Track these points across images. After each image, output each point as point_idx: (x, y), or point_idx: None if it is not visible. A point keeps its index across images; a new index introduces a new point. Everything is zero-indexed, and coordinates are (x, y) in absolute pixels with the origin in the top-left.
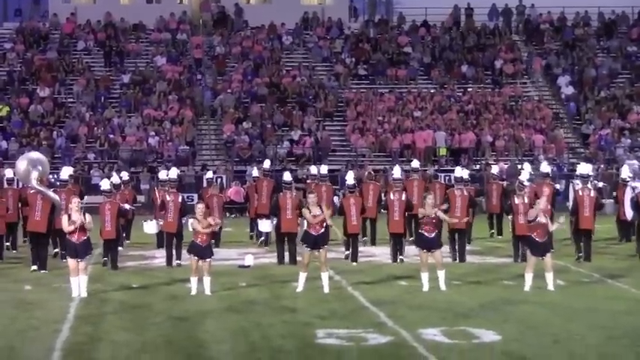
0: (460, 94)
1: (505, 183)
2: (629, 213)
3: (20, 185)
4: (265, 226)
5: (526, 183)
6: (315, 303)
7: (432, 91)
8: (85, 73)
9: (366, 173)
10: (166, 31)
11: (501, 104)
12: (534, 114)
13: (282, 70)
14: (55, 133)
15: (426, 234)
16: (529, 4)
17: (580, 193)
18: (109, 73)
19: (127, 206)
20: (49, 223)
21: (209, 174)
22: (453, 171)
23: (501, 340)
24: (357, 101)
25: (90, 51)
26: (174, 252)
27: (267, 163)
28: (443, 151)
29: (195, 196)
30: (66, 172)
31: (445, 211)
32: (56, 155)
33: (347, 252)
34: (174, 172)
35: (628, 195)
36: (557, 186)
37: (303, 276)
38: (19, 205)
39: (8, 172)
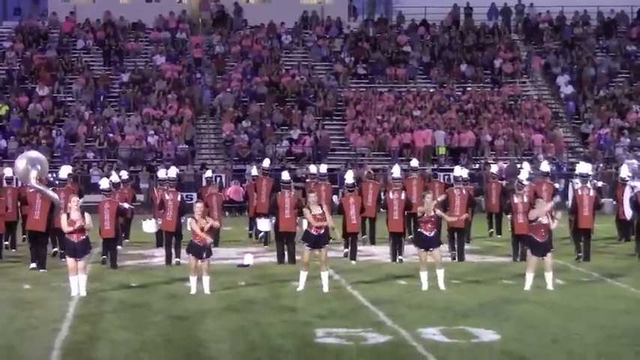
0: (459, 93)
1: (504, 182)
2: (628, 212)
3: (19, 184)
4: (264, 225)
5: (525, 182)
6: (315, 302)
7: (431, 90)
8: (85, 72)
9: (366, 172)
10: (166, 30)
11: (500, 103)
12: (533, 113)
13: (281, 69)
14: (54, 132)
15: (425, 233)
16: (528, 3)
17: (579, 192)
18: (109, 72)
19: (126, 205)
20: (48, 222)
21: (208, 173)
22: (452, 170)
23: (500, 340)
24: (357, 100)
25: (89, 50)
26: (173, 251)
27: (266, 162)
28: (442, 151)
29: (195, 195)
30: (65, 170)
31: (444, 209)
32: (55, 154)
33: (345, 250)
34: (173, 171)
35: (627, 194)
36: (557, 185)
37: (304, 275)
38: (19, 204)
39: (7, 171)
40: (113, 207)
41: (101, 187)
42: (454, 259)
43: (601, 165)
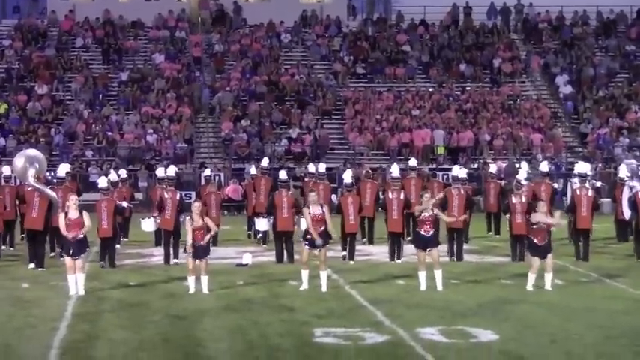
0: (458, 92)
1: (503, 182)
2: (626, 213)
3: (18, 183)
4: (262, 224)
5: (524, 182)
6: (313, 302)
7: (430, 89)
8: (84, 70)
9: (364, 172)
10: (165, 28)
11: (499, 103)
12: (532, 113)
13: (280, 68)
14: (53, 130)
15: (423, 233)
16: (527, 2)
17: (578, 192)
18: (108, 71)
19: (124, 204)
20: (46, 220)
21: (207, 172)
22: (451, 170)
23: (499, 340)
24: (356, 100)
25: (88, 48)
26: (171, 250)
27: (265, 162)
28: (441, 150)
29: (193, 194)
30: (63, 169)
31: (443, 209)
32: (54, 152)
33: (344, 252)
34: (172, 170)
35: (625, 194)
36: (555, 185)
37: (305, 273)
38: (17, 202)
39: (6, 170)
40: (111, 206)
41: (99, 186)
42: (452, 258)
43: (600, 165)
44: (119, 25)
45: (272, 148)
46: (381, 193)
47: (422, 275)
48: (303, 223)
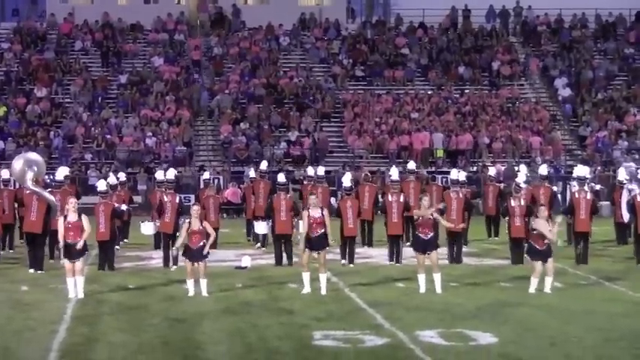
0: (457, 95)
1: (502, 185)
2: (625, 215)
3: (17, 186)
4: (261, 227)
5: (523, 185)
6: (312, 304)
7: (429, 92)
8: (83, 73)
9: (363, 175)
10: (164, 31)
11: (498, 106)
12: (531, 116)
13: (279, 71)
14: (52, 133)
15: (422, 236)
16: (526, 5)
17: (576, 195)
18: (107, 74)
19: (123, 207)
20: (44, 224)
21: (206, 175)
22: (450, 173)
23: (498, 343)
24: (355, 102)
25: (87, 51)
26: (171, 254)
27: (263, 165)
28: (440, 153)
29: (193, 196)
30: (62, 172)
31: (442, 212)
32: (53, 155)
33: (343, 261)
34: (171, 173)
35: (624, 197)
36: (555, 188)
37: (306, 276)
38: (16, 205)
39: (4, 173)
40: (108, 209)
41: (98, 189)
42: (452, 261)
43: (599, 168)
44: (118, 28)
45: (271, 150)
46: (380, 196)
47: (421, 278)
48: (302, 226)
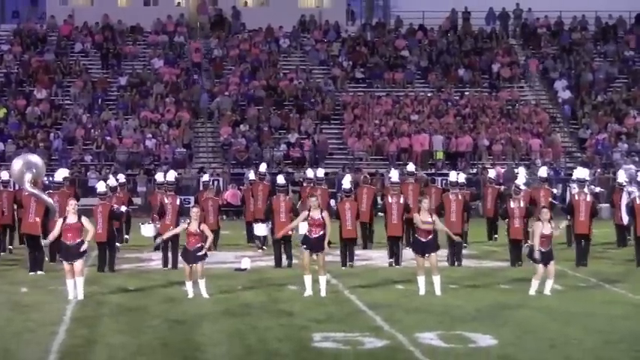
0: (457, 97)
1: (502, 187)
2: (625, 218)
3: (16, 187)
4: (261, 229)
5: (522, 187)
6: (312, 306)
7: (429, 94)
8: (82, 75)
9: (362, 177)
10: (164, 33)
11: (498, 108)
12: (531, 118)
13: (279, 73)
14: (51, 134)
15: (421, 238)
16: (526, 8)
17: (576, 197)
18: (106, 76)
19: (123, 208)
20: (43, 226)
21: (205, 177)
22: (449, 175)
23: (498, 345)
24: (354, 104)
25: (87, 53)
26: (170, 255)
27: (263, 167)
28: (440, 155)
29: (192, 198)
30: (61, 174)
31: (441, 215)
32: (53, 157)
33: (343, 267)
34: (171, 175)
35: (624, 200)
36: (555, 191)
37: (308, 278)
38: (15, 207)
39: (4, 175)
40: (105, 210)
41: (97, 191)
42: (452, 263)
43: (598, 170)
44: (118, 29)
45: (271, 152)
46: (379, 198)
47: (421, 280)
48: (302, 228)
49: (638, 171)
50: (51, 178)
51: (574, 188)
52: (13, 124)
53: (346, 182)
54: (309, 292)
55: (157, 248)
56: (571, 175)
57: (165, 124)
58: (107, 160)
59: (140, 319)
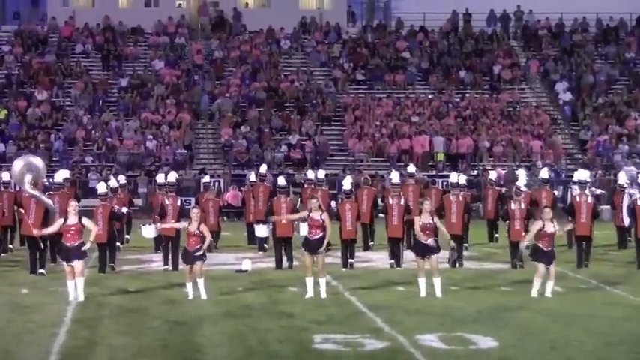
0: (458, 99)
1: (504, 189)
2: (626, 220)
3: (17, 188)
4: (262, 231)
5: (523, 189)
6: (313, 308)
7: (429, 96)
8: (83, 76)
9: (363, 179)
10: (164, 34)
11: (499, 110)
12: (532, 120)
13: (280, 74)
14: (52, 136)
15: (422, 240)
16: (527, 9)
17: (577, 199)
18: (107, 77)
19: (124, 210)
20: (42, 227)
21: (206, 178)
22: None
23: (498, 346)
24: (355, 106)
25: (88, 54)
26: (170, 256)
27: (263, 168)
28: (440, 157)
29: (193, 200)
30: (61, 175)
31: (441, 216)
32: (54, 158)
33: (343, 269)
34: (172, 176)
35: (625, 202)
36: (555, 192)
37: (309, 280)
38: (16, 208)
39: (5, 176)
40: (106, 211)
41: (98, 192)
42: (453, 265)
43: (599, 172)
44: (119, 31)
45: (271, 154)
46: (380, 200)
47: (421, 282)
48: (303, 229)
49: (638, 173)
50: (51, 180)
51: (575, 190)
52: (13, 125)
53: (347, 184)
54: (310, 293)
55: (157, 249)
56: (572, 176)
57: (166, 126)
58: (108, 162)
59: (141, 321)
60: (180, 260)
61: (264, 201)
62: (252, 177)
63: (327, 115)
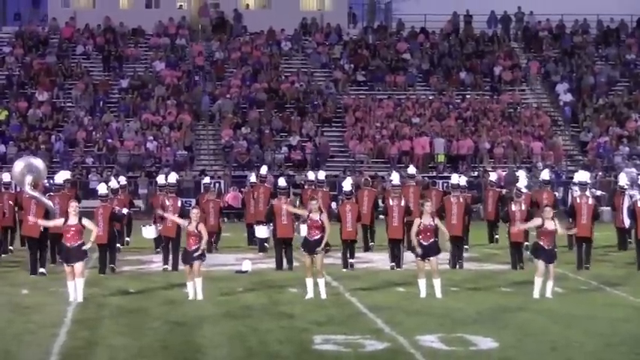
0: (458, 100)
1: (504, 190)
2: (627, 221)
3: (18, 189)
4: (262, 232)
5: (524, 190)
6: (313, 309)
7: (430, 97)
8: (84, 77)
9: (363, 180)
10: (165, 36)
11: (500, 111)
12: (533, 121)
13: (280, 75)
14: (53, 137)
15: (422, 241)
16: (528, 11)
17: (578, 200)
18: (108, 78)
19: (124, 210)
20: (43, 228)
21: (206, 179)
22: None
23: (499, 348)
24: (356, 107)
25: (89, 55)
26: (170, 256)
27: (263, 170)
28: (441, 158)
29: (193, 201)
30: (62, 176)
31: (441, 217)
32: (54, 159)
33: (344, 270)
34: (173, 177)
35: (625, 203)
36: (556, 194)
37: (309, 282)
38: (16, 209)
39: (5, 176)
40: (107, 212)
41: (98, 193)
42: (454, 266)
43: (600, 173)
44: (120, 32)
45: (272, 155)
46: (380, 201)
47: (422, 283)
48: (303, 230)
49: (639, 174)
50: (52, 181)
51: (576, 191)
52: (14, 126)
53: (347, 185)
54: (310, 294)
55: (157, 246)
56: (572, 178)
57: (166, 127)
58: (108, 163)
59: (141, 321)
60: (180, 261)
61: (265, 202)
62: (252, 178)
63: (328, 117)
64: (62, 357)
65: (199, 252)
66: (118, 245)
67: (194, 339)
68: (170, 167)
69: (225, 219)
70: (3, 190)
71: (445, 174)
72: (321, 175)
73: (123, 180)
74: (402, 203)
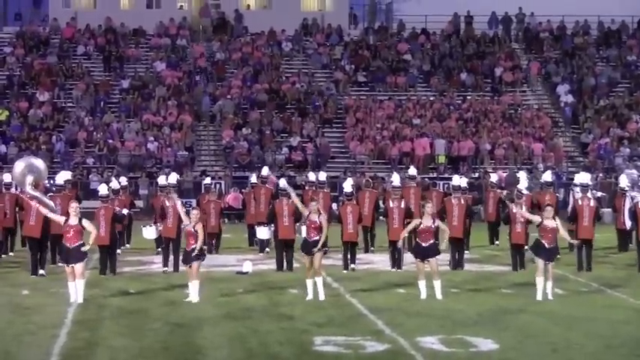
0: (459, 101)
1: (505, 192)
2: (628, 222)
3: (18, 190)
4: (263, 233)
5: (525, 192)
6: (313, 310)
7: (431, 98)
8: (85, 77)
9: (364, 181)
10: (166, 36)
11: (500, 112)
12: (533, 122)
13: (281, 76)
14: (54, 137)
15: (422, 243)
16: (529, 12)
17: (579, 202)
18: (109, 78)
19: (125, 211)
20: (43, 228)
21: (207, 180)
22: (451, 179)
23: (499, 349)
24: (357, 108)
25: (90, 56)
26: (171, 257)
27: (265, 170)
28: (442, 159)
29: (194, 201)
30: (62, 176)
31: (442, 218)
32: (55, 160)
33: (344, 271)
34: (173, 178)
35: (627, 204)
36: (558, 195)
37: (310, 283)
38: (17, 209)
39: (6, 177)
40: (108, 213)
41: (99, 193)
42: (454, 267)
43: (601, 175)
44: (120, 32)
45: (273, 156)
46: (381, 202)
47: (422, 284)
48: (304, 231)
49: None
50: (52, 181)
51: (577, 193)
52: (15, 126)
53: (348, 186)
54: (310, 295)
55: (158, 247)
56: (573, 179)
57: (167, 127)
58: (109, 163)
59: (141, 322)
60: (180, 261)
61: (266, 203)
62: (253, 179)
63: (329, 117)
64: (62, 358)
65: (197, 252)
66: (118, 251)
67: (194, 340)
68: (171, 168)
69: (226, 220)
70: (4, 190)
71: (446, 175)
72: (322, 176)
73: (124, 180)
74: (403, 205)
